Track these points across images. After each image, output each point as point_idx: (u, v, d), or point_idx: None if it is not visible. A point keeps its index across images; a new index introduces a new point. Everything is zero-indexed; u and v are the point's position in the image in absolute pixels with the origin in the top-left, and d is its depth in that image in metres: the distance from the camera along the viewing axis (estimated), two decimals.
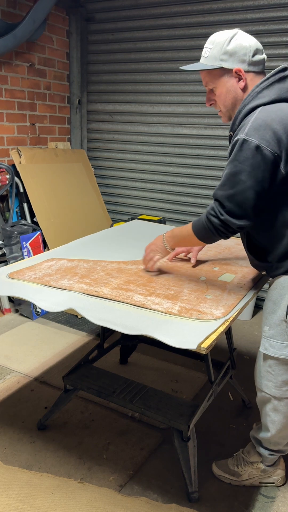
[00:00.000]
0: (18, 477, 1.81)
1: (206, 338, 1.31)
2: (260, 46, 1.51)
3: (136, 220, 3.10)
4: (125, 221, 3.89)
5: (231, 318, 1.47)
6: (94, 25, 3.99)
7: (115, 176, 4.24)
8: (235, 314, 1.49)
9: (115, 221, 4.17)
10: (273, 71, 1.48)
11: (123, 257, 2.00)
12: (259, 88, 1.46)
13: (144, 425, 2.15)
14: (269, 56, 3.26)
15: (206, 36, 3.55)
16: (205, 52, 1.54)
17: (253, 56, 1.48)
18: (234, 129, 1.54)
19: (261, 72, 1.53)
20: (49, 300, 1.53)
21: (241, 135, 1.40)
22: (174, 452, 1.76)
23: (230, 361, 2.10)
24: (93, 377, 2.00)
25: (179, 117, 3.75)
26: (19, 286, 1.66)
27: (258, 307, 3.70)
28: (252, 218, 1.45)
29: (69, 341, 2.97)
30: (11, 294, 1.61)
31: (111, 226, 3.86)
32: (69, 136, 4.26)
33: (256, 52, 1.49)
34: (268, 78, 1.47)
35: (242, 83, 1.50)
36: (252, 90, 1.48)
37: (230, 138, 1.59)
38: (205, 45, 1.55)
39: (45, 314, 3.34)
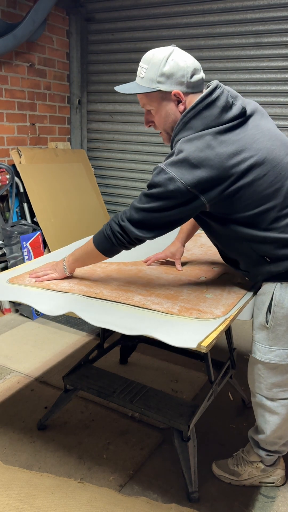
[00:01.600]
0: (18, 477, 1.81)
1: (207, 337, 1.31)
2: (198, 65, 1.44)
3: None
4: None
5: (231, 317, 1.47)
6: (94, 25, 3.99)
7: (115, 176, 4.24)
8: (235, 313, 1.50)
9: None
10: (201, 96, 1.38)
11: (123, 258, 2.00)
12: (186, 118, 1.40)
13: (144, 425, 2.15)
14: (269, 56, 3.27)
15: (206, 36, 3.59)
16: (140, 72, 1.43)
17: (191, 77, 1.40)
18: (170, 153, 1.46)
19: (200, 92, 1.44)
20: (49, 303, 1.53)
21: (161, 164, 1.40)
22: (174, 452, 1.76)
23: (230, 361, 2.10)
24: (93, 377, 2.00)
25: None
26: (19, 290, 1.65)
27: None
28: (154, 234, 1.44)
29: (69, 341, 2.97)
30: (12, 299, 1.61)
31: None
32: (69, 136, 4.26)
33: (194, 72, 1.40)
34: (195, 106, 1.38)
35: (181, 107, 1.42)
36: (180, 119, 1.41)
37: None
38: (140, 64, 1.44)
39: (45, 314, 3.34)
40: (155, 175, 1.39)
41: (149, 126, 1.55)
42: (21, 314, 3.34)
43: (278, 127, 3.60)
